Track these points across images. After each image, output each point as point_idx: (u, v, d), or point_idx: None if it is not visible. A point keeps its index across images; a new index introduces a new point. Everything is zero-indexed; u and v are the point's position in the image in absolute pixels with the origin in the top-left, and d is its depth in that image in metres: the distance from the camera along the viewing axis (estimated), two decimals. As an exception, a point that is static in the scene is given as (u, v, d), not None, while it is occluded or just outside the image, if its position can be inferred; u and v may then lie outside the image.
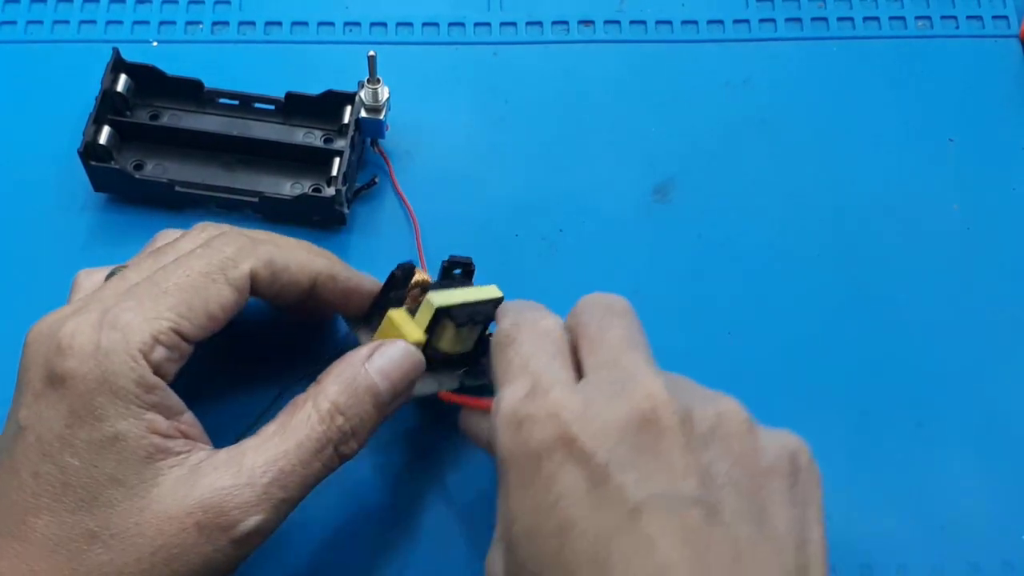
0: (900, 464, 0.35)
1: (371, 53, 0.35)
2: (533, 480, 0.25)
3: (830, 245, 0.39)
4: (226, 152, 0.38)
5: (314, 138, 0.38)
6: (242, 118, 0.39)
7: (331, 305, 0.32)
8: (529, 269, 0.38)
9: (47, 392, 0.26)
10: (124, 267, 0.30)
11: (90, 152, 0.37)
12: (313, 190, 0.37)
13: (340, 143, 0.37)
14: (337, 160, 0.36)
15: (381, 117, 0.37)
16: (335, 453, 0.28)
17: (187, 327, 0.27)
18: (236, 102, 0.39)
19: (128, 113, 0.39)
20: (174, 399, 0.27)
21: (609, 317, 0.28)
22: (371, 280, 0.32)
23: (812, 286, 0.37)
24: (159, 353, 0.26)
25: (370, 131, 0.38)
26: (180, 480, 0.26)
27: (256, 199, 0.37)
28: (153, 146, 0.39)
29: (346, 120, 0.37)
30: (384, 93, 0.37)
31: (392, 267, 0.31)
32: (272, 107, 0.39)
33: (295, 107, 0.38)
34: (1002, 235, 0.40)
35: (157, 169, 0.38)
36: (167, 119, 0.39)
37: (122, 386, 0.25)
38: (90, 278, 0.30)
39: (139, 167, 0.38)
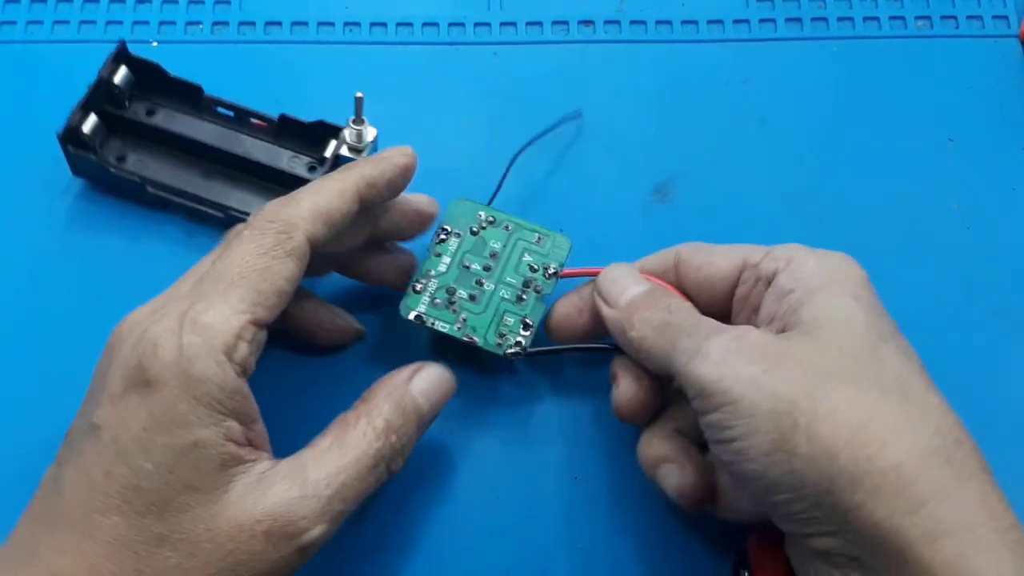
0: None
1: (358, 95, 0.35)
2: None
3: (830, 245, 0.39)
4: (209, 162, 0.38)
5: (299, 163, 0.38)
6: (235, 130, 0.39)
7: (384, 221, 0.33)
8: (529, 269, 0.38)
9: (127, 395, 0.26)
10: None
11: (70, 137, 0.37)
12: None
13: (317, 174, 0.37)
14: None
15: (360, 159, 0.37)
16: (386, 469, 0.29)
17: (262, 313, 0.27)
18: (232, 114, 0.39)
19: (126, 104, 0.39)
20: (251, 405, 0.27)
21: None
22: (403, 152, 0.32)
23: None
24: (242, 350, 0.27)
25: None
26: (249, 488, 0.26)
27: (221, 214, 0.37)
28: (139, 142, 0.39)
29: (327, 153, 0.37)
30: (369, 134, 0.37)
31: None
32: (265, 125, 0.39)
33: (286, 130, 0.38)
34: (1002, 235, 0.40)
35: (137, 165, 0.38)
36: (162, 118, 0.39)
37: (206, 391, 0.26)
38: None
39: (121, 159, 0.38)
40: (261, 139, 0.39)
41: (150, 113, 0.39)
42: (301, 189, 0.30)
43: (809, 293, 0.28)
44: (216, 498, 0.26)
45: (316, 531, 0.27)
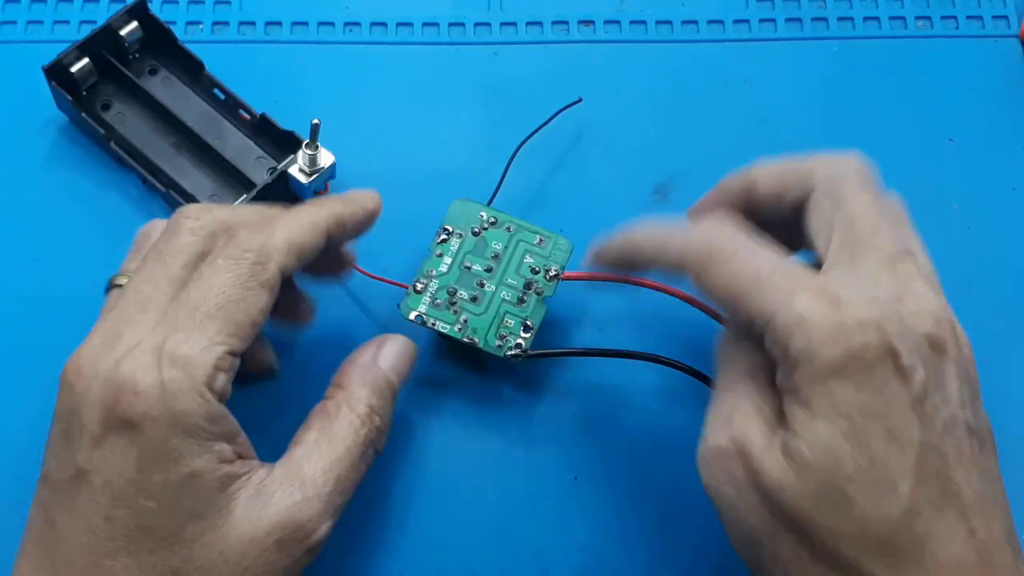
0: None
1: (315, 121, 0.35)
2: (862, 384, 0.24)
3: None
4: (183, 137, 0.39)
5: (264, 165, 0.38)
6: (221, 115, 0.39)
7: (341, 244, 0.32)
8: (529, 269, 0.38)
9: (110, 437, 0.25)
10: (122, 277, 0.30)
11: (55, 72, 0.37)
12: None
13: (264, 178, 0.37)
14: (244, 195, 0.36)
15: (305, 181, 0.36)
16: (372, 452, 0.29)
17: (237, 344, 0.27)
18: (223, 97, 0.39)
19: (133, 57, 0.40)
20: (233, 423, 0.27)
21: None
22: (372, 197, 0.32)
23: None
24: (220, 380, 0.26)
25: (296, 189, 0.37)
26: (251, 502, 0.26)
27: (164, 189, 0.37)
28: (128, 96, 0.40)
29: (279, 165, 0.37)
30: (324, 160, 0.36)
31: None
32: (248, 119, 0.39)
33: (263, 129, 0.39)
34: (1002, 235, 0.40)
35: (117, 118, 0.39)
36: (160, 80, 0.40)
37: (193, 424, 0.25)
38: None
39: (106, 107, 0.39)
40: (241, 131, 0.39)
41: (152, 72, 0.40)
42: (275, 217, 0.30)
43: (799, 403, 0.25)
44: (223, 520, 0.26)
45: (323, 529, 0.27)
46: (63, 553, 0.25)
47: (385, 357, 0.31)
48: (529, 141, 0.39)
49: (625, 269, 0.32)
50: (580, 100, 0.40)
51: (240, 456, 0.27)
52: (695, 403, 0.35)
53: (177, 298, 0.27)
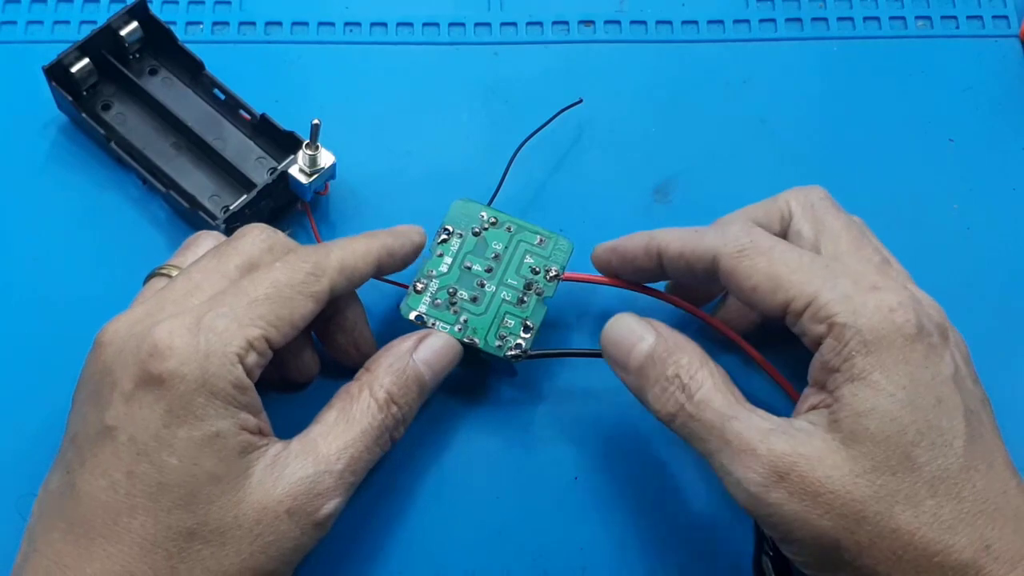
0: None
1: (315, 121, 0.35)
2: (909, 359, 0.26)
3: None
4: (183, 137, 0.39)
5: (264, 166, 0.38)
6: (221, 115, 0.39)
7: (387, 273, 0.33)
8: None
9: (140, 393, 0.26)
10: (169, 267, 0.31)
11: (55, 72, 0.37)
12: (222, 209, 0.37)
13: (265, 179, 0.37)
14: (245, 195, 0.36)
15: (306, 182, 0.36)
16: (389, 439, 0.30)
17: (275, 335, 0.28)
18: (223, 97, 0.39)
19: (133, 57, 0.40)
20: (258, 400, 0.28)
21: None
22: (417, 231, 0.34)
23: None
24: (251, 358, 0.27)
25: (296, 189, 0.37)
26: (267, 471, 0.27)
27: (164, 190, 0.37)
28: (129, 96, 0.40)
29: (279, 166, 0.37)
30: (324, 161, 0.36)
31: None
32: (248, 119, 0.39)
33: (263, 130, 0.39)
34: (1002, 235, 0.40)
35: (118, 118, 0.39)
36: (160, 80, 0.40)
37: (221, 388, 0.26)
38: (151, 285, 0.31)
39: (106, 108, 0.39)
40: (241, 131, 0.39)
41: (152, 72, 0.40)
42: (330, 243, 0.31)
43: (851, 378, 0.26)
44: (239, 485, 0.26)
45: (332, 504, 0.28)
46: (81, 512, 0.26)
47: (422, 350, 0.31)
48: (529, 141, 0.39)
49: (639, 271, 0.33)
50: (580, 101, 0.40)
51: (261, 432, 0.28)
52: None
53: (226, 289, 0.28)
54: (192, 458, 0.26)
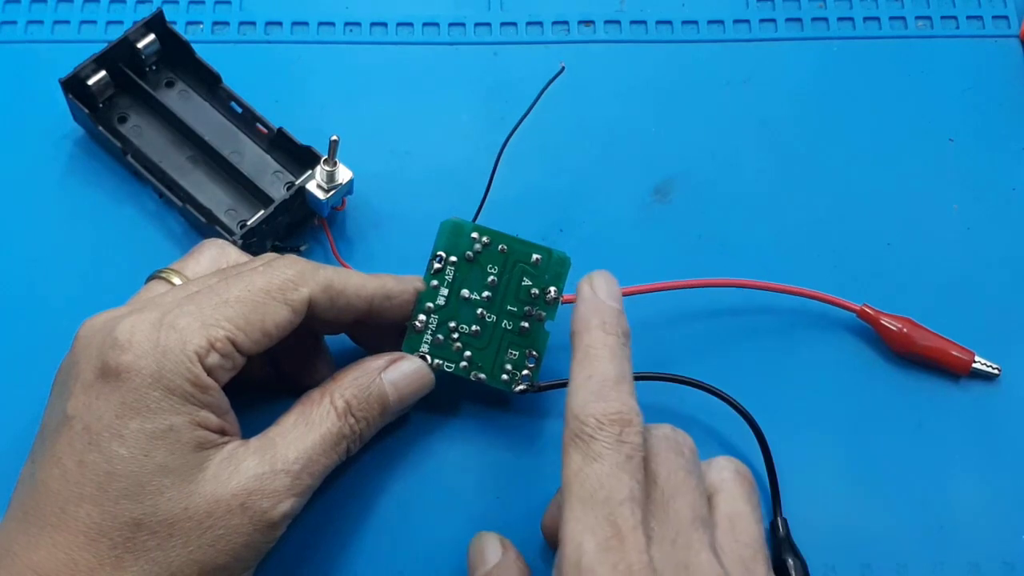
0: (900, 464, 0.35)
1: (334, 138, 0.35)
2: None
3: (830, 244, 0.39)
4: (200, 150, 0.39)
5: (282, 179, 0.38)
6: (238, 128, 0.39)
7: (385, 321, 0.32)
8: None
9: (98, 384, 0.26)
10: (169, 271, 0.31)
11: (71, 85, 0.37)
12: (239, 224, 0.37)
13: (282, 194, 0.37)
14: (263, 210, 0.36)
15: (323, 197, 0.36)
16: (346, 448, 0.30)
17: (242, 339, 0.28)
18: (240, 111, 0.39)
19: (150, 69, 0.40)
20: (224, 400, 0.28)
21: (680, 473, 0.27)
22: (421, 281, 0.33)
23: (812, 286, 0.37)
24: (213, 359, 0.27)
25: (313, 204, 0.37)
26: (222, 466, 0.27)
27: (180, 204, 0.37)
28: (145, 108, 0.39)
29: (296, 181, 0.37)
30: (342, 176, 0.36)
31: None
32: (265, 132, 0.39)
33: (281, 144, 0.38)
34: (1002, 235, 0.40)
35: (134, 131, 0.39)
36: (177, 93, 0.40)
37: (178, 384, 0.26)
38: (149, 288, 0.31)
39: (123, 120, 0.39)
40: (258, 144, 0.39)
41: (169, 84, 0.40)
42: (332, 266, 0.31)
43: None
44: (192, 477, 0.26)
45: (287, 504, 0.27)
46: (34, 500, 0.26)
47: (391, 372, 0.31)
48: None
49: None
50: (563, 69, 0.38)
51: (224, 432, 0.28)
52: (700, 417, 0.35)
53: (207, 287, 0.29)
54: (143, 450, 0.26)
